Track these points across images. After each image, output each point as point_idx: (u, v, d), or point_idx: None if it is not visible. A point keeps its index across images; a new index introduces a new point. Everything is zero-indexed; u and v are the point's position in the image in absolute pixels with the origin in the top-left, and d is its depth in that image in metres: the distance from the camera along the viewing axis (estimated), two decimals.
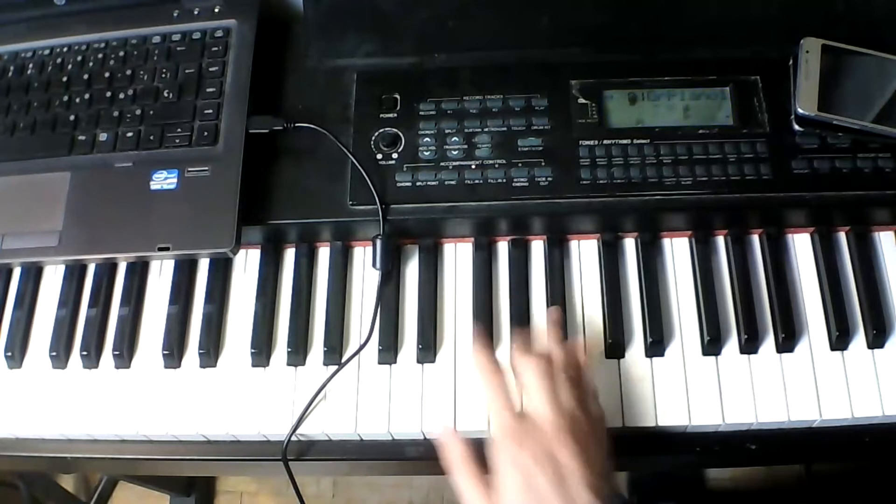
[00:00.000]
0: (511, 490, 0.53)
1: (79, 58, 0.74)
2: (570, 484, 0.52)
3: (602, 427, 0.57)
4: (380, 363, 0.66)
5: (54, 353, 0.68)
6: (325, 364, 0.66)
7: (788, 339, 0.64)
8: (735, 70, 0.70)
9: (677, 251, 0.69)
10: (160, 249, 0.65)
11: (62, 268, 0.72)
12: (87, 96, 0.72)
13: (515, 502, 0.53)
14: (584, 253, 0.69)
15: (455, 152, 0.68)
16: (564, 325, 0.65)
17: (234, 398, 0.66)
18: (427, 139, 0.69)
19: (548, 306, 0.66)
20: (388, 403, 0.64)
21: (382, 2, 0.71)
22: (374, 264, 0.67)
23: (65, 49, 0.75)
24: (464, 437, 0.58)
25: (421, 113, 0.70)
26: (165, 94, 0.71)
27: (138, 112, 0.71)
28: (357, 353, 0.66)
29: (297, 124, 0.70)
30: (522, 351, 0.60)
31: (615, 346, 0.65)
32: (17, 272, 0.73)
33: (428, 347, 0.66)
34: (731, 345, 0.65)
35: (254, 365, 0.67)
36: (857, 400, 0.62)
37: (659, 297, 0.66)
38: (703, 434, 0.64)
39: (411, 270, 0.69)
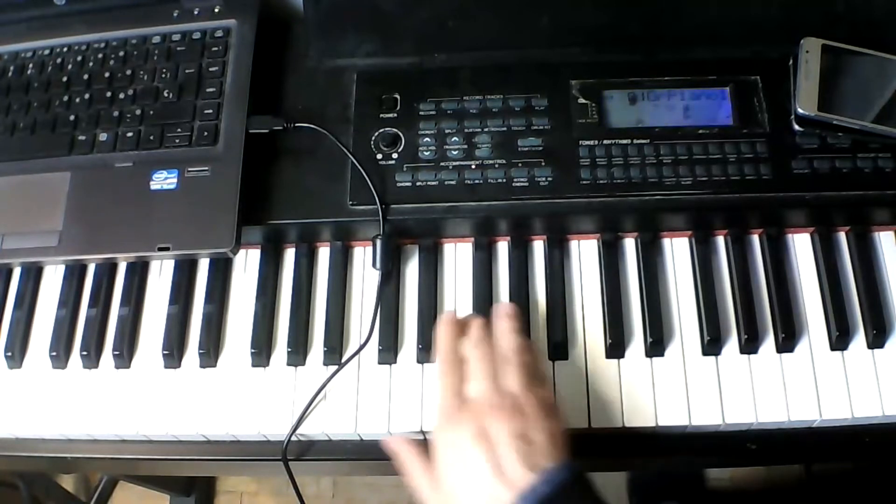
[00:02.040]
0: (449, 470, 0.54)
1: (79, 58, 0.74)
2: (505, 462, 0.52)
3: (546, 409, 0.55)
4: (380, 363, 0.66)
5: (54, 353, 0.68)
6: (325, 364, 0.66)
7: (788, 339, 0.64)
8: (735, 70, 0.70)
9: (677, 251, 0.69)
10: (160, 249, 0.65)
11: (62, 268, 0.72)
12: (87, 96, 0.72)
13: (454, 481, 0.54)
14: (584, 253, 0.69)
15: (455, 152, 0.68)
16: (519, 318, 0.63)
17: (234, 398, 0.66)
18: (427, 139, 0.69)
19: (548, 306, 0.66)
20: (388, 403, 0.64)
21: (382, 2, 0.71)
22: (374, 264, 0.67)
23: (65, 49, 0.75)
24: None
25: (421, 113, 0.70)
26: (165, 94, 0.71)
27: (138, 112, 0.71)
28: (357, 353, 0.66)
29: (297, 124, 0.70)
30: (471, 339, 0.60)
31: (615, 346, 0.65)
32: (17, 272, 0.73)
33: (428, 347, 0.66)
34: (731, 345, 0.65)
35: (254, 365, 0.67)
36: (857, 400, 0.62)
37: (659, 297, 0.66)
38: (703, 434, 0.64)
39: (411, 270, 0.69)
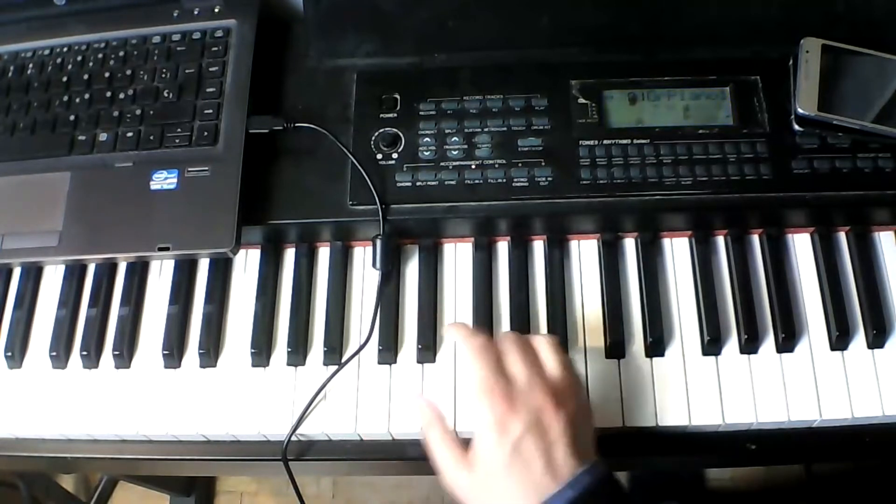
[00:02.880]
0: (493, 452, 0.53)
1: (79, 58, 0.74)
2: (557, 451, 0.52)
3: (584, 395, 0.58)
4: (380, 363, 0.66)
5: (54, 353, 0.68)
6: (325, 364, 0.66)
7: (788, 339, 0.64)
8: (735, 70, 0.70)
9: (677, 251, 0.69)
10: (160, 249, 0.65)
11: (62, 268, 0.72)
12: (87, 96, 0.72)
13: (497, 464, 0.53)
14: (584, 253, 0.69)
15: (455, 152, 0.68)
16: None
17: (234, 398, 0.66)
18: (427, 139, 0.69)
19: (548, 306, 0.66)
20: (388, 403, 0.64)
21: (382, 2, 0.71)
22: (374, 264, 0.67)
23: (65, 49, 0.75)
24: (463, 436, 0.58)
25: (421, 113, 0.70)
26: (165, 94, 0.71)
27: (138, 112, 0.71)
28: (357, 353, 0.66)
29: (297, 124, 0.70)
30: (506, 334, 0.59)
31: (615, 346, 0.65)
32: (17, 272, 0.73)
33: (428, 347, 0.66)
34: (731, 345, 0.65)
35: (254, 365, 0.67)
36: (857, 400, 0.62)
37: (659, 297, 0.66)
38: (703, 434, 0.64)
39: (411, 270, 0.69)
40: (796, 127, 0.67)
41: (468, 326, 0.60)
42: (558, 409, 0.53)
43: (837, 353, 0.64)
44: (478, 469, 0.54)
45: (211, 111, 0.70)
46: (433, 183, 0.67)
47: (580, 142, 0.68)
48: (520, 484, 0.52)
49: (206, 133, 0.69)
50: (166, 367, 0.67)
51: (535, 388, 0.54)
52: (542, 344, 0.57)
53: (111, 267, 0.72)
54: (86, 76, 0.73)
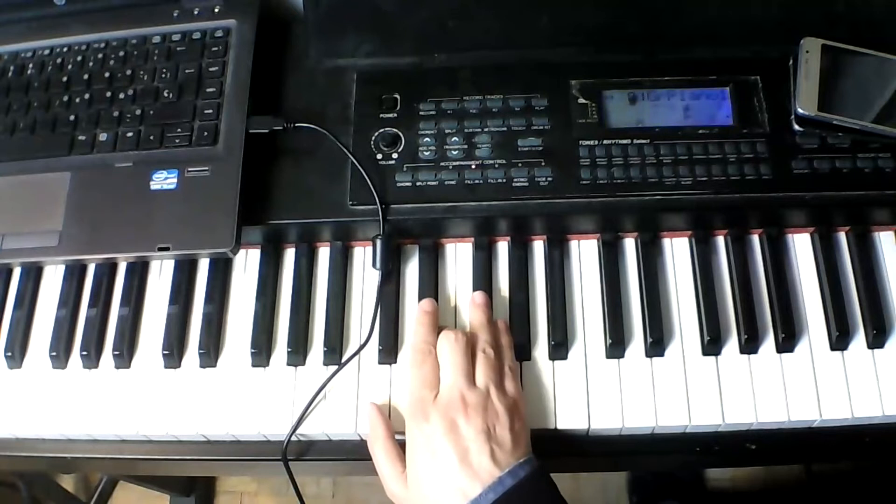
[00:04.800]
0: (419, 461, 0.57)
1: (79, 58, 0.74)
2: (473, 456, 0.55)
3: (515, 406, 0.59)
4: (380, 363, 0.66)
5: (54, 353, 0.68)
6: (325, 364, 0.66)
7: (788, 339, 0.64)
8: (735, 70, 0.70)
9: (677, 251, 0.69)
10: (160, 249, 0.65)
11: (62, 268, 0.72)
12: (87, 96, 0.72)
13: (422, 473, 0.57)
14: (584, 253, 0.69)
15: (455, 152, 0.68)
16: (490, 307, 0.66)
17: (234, 398, 0.66)
18: (427, 139, 0.69)
19: (548, 306, 0.67)
20: (387, 403, 0.64)
21: (382, 2, 0.71)
22: (374, 264, 0.67)
23: (65, 49, 0.75)
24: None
25: (421, 113, 0.70)
26: (165, 94, 0.71)
27: (138, 112, 0.71)
28: (357, 353, 0.66)
29: (297, 124, 0.70)
30: (446, 332, 0.62)
31: (615, 346, 0.65)
32: (17, 272, 0.73)
33: None
34: (731, 345, 0.65)
35: (254, 365, 0.67)
36: (857, 400, 0.62)
37: (659, 297, 0.66)
38: (703, 434, 0.64)
39: (411, 270, 0.69)
40: (796, 127, 0.67)
41: (426, 339, 0.63)
42: (474, 416, 0.56)
43: (837, 353, 0.64)
44: (410, 479, 0.58)
45: (211, 111, 0.70)
46: (433, 183, 0.67)
47: (580, 142, 0.68)
48: (443, 488, 0.55)
49: (206, 133, 0.69)
50: (166, 367, 0.67)
51: (456, 397, 0.58)
52: (480, 352, 0.61)
53: (111, 267, 0.71)
54: (86, 76, 0.73)
